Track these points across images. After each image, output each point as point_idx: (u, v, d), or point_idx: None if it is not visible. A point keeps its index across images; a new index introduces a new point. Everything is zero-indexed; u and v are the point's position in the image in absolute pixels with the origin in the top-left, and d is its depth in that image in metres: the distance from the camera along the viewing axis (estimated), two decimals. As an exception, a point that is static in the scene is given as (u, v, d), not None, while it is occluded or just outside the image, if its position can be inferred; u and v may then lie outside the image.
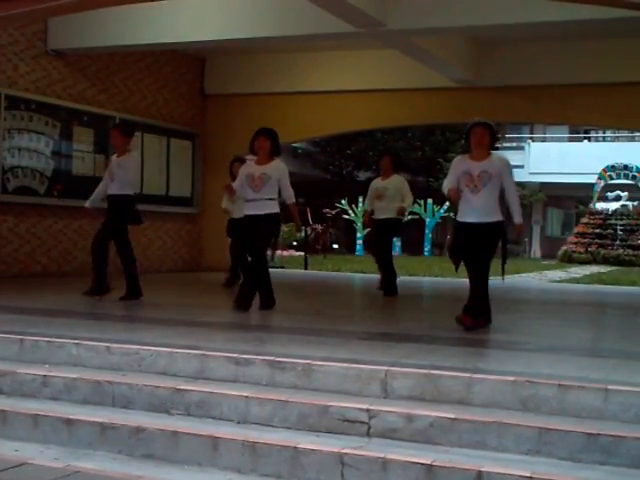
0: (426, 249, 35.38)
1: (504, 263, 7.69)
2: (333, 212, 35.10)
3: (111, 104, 14.73)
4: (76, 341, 6.32)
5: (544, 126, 41.58)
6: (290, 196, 8.84)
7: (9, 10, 9.16)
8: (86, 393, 5.73)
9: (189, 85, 16.68)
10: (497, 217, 7.45)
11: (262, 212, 8.65)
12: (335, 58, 15.52)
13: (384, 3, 11.06)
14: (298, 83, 15.97)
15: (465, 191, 7.43)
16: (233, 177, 11.81)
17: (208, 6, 12.36)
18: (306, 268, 20.48)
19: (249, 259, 9.52)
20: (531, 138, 42.28)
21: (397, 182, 11.49)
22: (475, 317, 7.37)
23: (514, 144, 41.96)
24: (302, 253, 23.96)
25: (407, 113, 16.17)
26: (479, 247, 7.35)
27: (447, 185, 7.54)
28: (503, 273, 7.66)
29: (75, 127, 14.01)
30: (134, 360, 6.04)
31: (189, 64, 16.60)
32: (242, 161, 11.65)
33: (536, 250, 41.81)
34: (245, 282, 9.12)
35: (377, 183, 11.65)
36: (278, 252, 26.56)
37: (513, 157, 41.43)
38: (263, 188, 8.65)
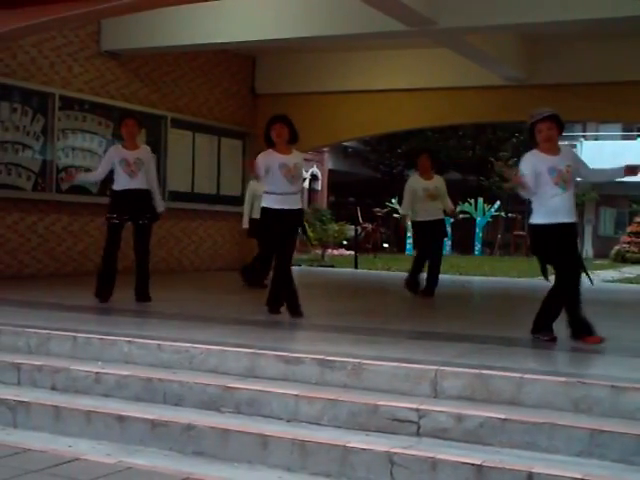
0: (477, 248, 35.15)
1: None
2: (383, 211, 35.00)
3: (163, 104, 14.87)
4: (128, 339, 6.39)
5: (597, 124, 41.07)
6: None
7: (64, 12, 9.29)
8: (138, 390, 5.79)
9: (240, 84, 16.77)
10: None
11: (298, 207, 8.30)
12: (385, 57, 15.49)
13: (436, 1, 11.01)
14: (348, 82, 15.97)
15: (550, 188, 6.74)
16: None
17: (258, 6, 12.41)
18: (356, 267, 20.48)
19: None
20: (584, 136, 41.75)
21: (442, 182, 11.28)
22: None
23: (566, 142, 41.53)
24: (352, 252, 23.96)
25: (458, 112, 16.08)
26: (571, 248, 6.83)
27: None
28: (588, 274, 6.99)
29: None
30: (185, 358, 6.09)
31: (240, 64, 16.68)
32: None
33: (588, 250, 41.27)
34: (280, 284, 8.33)
35: (422, 183, 11.16)
36: (329, 251, 26.63)
37: (565, 156, 41.11)
38: (298, 181, 8.31)
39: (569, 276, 6.71)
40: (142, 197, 9.14)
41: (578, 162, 7.07)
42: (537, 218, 6.83)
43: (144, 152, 9.25)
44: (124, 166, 9.04)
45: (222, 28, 12.69)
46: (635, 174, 7.10)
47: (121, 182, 9.09)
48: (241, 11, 12.45)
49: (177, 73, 15.23)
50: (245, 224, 11.86)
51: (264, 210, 8.27)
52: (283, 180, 8.12)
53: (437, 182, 11.24)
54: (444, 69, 15.06)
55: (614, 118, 21.35)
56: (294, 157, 8.26)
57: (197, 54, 15.35)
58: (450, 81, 15.28)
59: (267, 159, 8.14)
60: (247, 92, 16.97)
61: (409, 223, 12.48)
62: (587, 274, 6.92)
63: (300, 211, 8.33)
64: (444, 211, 11.37)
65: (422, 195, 11.12)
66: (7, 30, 9.72)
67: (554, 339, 6.76)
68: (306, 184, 34.99)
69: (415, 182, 11.26)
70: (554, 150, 6.89)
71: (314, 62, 16.07)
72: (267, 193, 8.25)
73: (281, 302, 8.28)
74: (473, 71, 14.43)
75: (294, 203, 8.22)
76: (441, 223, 11.30)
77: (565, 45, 14.37)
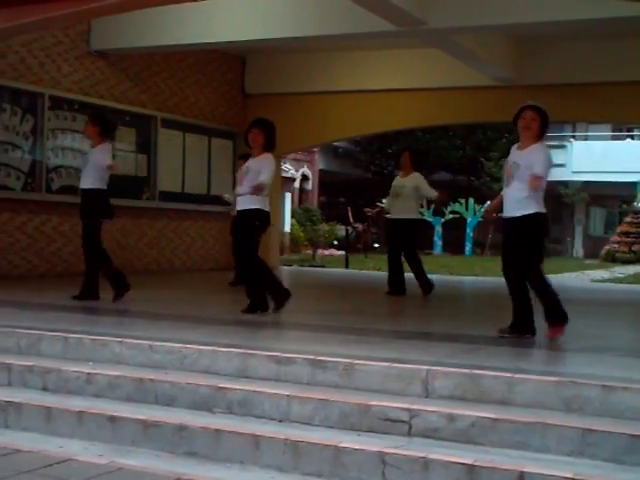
0: (467, 248, 35.19)
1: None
2: (374, 211, 34.99)
3: (153, 104, 14.86)
4: (119, 339, 6.38)
5: (586, 124, 41.18)
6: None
7: (53, 12, 9.27)
8: (129, 391, 5.78)
9: (230, 84, 16.77)
10: None
11: (243, 208, 8.31)
12: (375, 57, 15.51)
13: (425, 2, 11.03)
14: (338, 82, 15.99)
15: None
16: None
17: (248, 6, 12.42)
18: (347, 267, 20.49)
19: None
20: (573, 137, 41.86)
21: (415, 180, 11.12)
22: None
23: (556, 143, 41.60)
24: (343, 252, 23.97)
25: (448, 112, 16.12)
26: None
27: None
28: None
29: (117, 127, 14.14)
30: (177, 358, 6.08)
31: (230, 64, 16.68)
32: (243, 158, 11.64)
33: (578, 249, 41.40)
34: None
35: (396, 180, 11.36)
36: (319, 251, 26.64)
37: (555, 156, 41.27)
38: (244, 184, 8.25)
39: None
40: (83, 196, 9.18)
41: (532, 163, 6.85)
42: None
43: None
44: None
45: (211, 28, 12.69)
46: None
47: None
48: (230, 11, 12.44)
49: (167, 73, 15.22)
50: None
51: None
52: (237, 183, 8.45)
53: (409, 181, 11.12)
54: (434, 69, 15.09)
55: (603, 118, 21.45)
56: (254, 161, 8.34)
57: (187, 54, 15.34)
58: (440, 81, 15.31)
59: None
60: (237, 92, 16.97)
61: None
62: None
63: (243, 212, 8.29)
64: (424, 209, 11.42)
65: (391, 192, 11.25)
66: (-3, 30, 9.71)
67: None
68: (297, 184, 34.99)
69: (395, 180, 11.47)
70: (523, 145, 6.95)
71: (304, 62, 16.08)
72: None
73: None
74: (462, 71, 14.46)
75: (240, 205, 8.33)
76: (403, 222, 11.04)
77: (554, 45, 14.41)
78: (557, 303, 6.83)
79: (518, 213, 6.79)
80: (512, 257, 6.88)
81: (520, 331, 6.87)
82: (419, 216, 11.39)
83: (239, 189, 8.35)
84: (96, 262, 9.19)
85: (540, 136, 7.02)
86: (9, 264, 12.33)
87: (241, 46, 14.57)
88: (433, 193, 11.33)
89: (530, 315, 6.87)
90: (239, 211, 8.37)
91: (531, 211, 6.77)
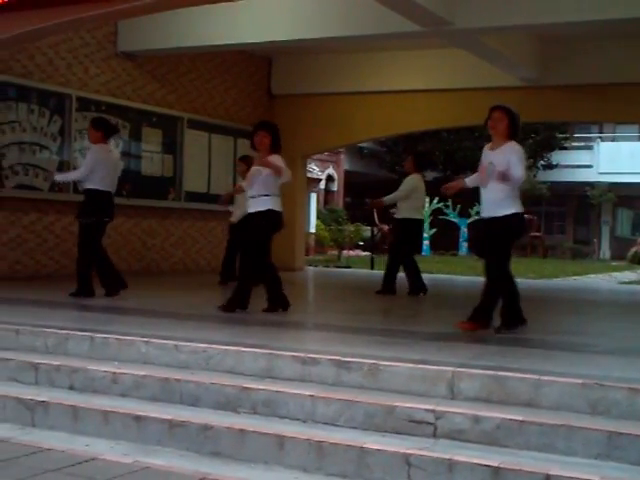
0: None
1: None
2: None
3: (180, 105, 14.91)
4: (145, 339, 6.41)
5: (614, 125, 40.91)
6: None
7: (81, 13, 9.33)
8: (155, 390, 5.81)
9: (256, 85, 16.80)
10: None
11: (253, 210, 8.39)
12: (400, 58, 15.49)
13: (451, 2, 10.99)
14: (363, 83, 15.97)
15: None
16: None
17: (274, 7, 12.42)
18: (372, 268, 20.45)
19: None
20: (600, 137, 41.62)
21: (405, 182, 11.45)
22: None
23: (583, 144, 41.37)
24: (368, 253, 23.95)
25: (473, 113, 15.93)
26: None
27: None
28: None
29: (144, 128, 14.24)
30: (202, 358, 6.11)
31: (256, 64, 16.71)
32: (243, 159, 11.68)
33: (605, 251, 41.15)
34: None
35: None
36: (345, 252, 26.63)
37: (582, 157, 41.03)
38: (253, 186, 8.35)
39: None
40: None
41: (507, 163, 7.06)
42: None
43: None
44: None
45: (238, 29, 12.71)
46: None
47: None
48: (257, 12, 12.46)
49: (194, 74, 15.26)
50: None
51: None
52: (247, 187, 8.51)
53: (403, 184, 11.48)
54: (459, 70, 15.04)
55: (630, 119, 21.25)
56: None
57: (213, 55, 15.38)
58: (465, 82, 15.26)
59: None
60: (263, 93, 16.99)
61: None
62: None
63: (253, 214, 8.36)
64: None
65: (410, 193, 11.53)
66: (24, 32, 9.76)
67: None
68: (322, 185, 35.01)
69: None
70: (495, 145, 7.24)
71: (330, 63, 16.08)
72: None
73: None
74: (488, 72, 14.40)
75: (250, 207, 8.39)
76: (396, 222, 11.52)
77: (580, 45, 14.31)
78: (493, 307, 7.21)
79: (499, 213, 7.03)
80: (494, 257, 7.15)
81: (514, 324, 7.19)
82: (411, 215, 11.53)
83: (250, 191, 8.38)
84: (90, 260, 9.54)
85: (510, 136, 7.24)
86: (37, 264, 12.41)
87: (267, 47, 14.58)
88: (390, 197, 11.60)
89: (517, 305, 7.24)
90: (251, 213, 8.40)
91: (512, 211, 7.07)
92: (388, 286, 11.36)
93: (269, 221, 8.35)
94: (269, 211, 8.30)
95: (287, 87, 16.87)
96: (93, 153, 9.60)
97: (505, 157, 7.04)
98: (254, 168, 8.52)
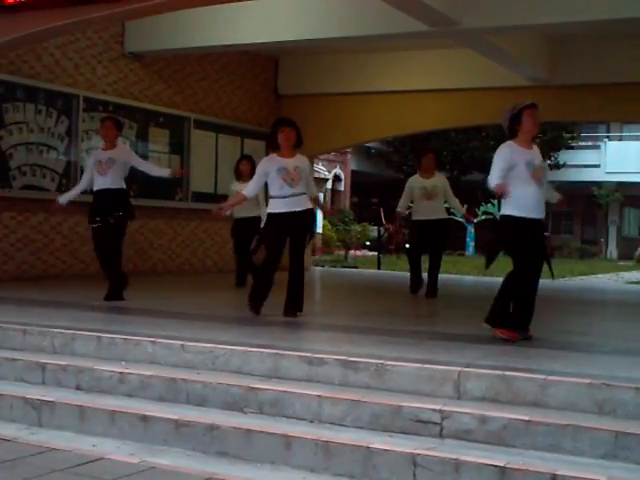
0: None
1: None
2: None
3: (186, 105, 14.92)
4: (152, 339, 6.42)
5: (621, 124, 40.84)
6: (315, 191, 8.58)
7: (88, 14, 9.34)
8: (161, 390, 5.82)
9: (263, 85, 16.80)
10: None
11: (303, 208, 8.21)
12: (407, 58, 15.47)
13: (458, 1, 10.97)
14: (370, 83, 15.96)
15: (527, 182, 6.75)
16: (237, 175, 11.92)
17: (280, 7, 12.41)
18: (379, 268, 20.46)
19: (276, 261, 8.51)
20: (607, 137, 41.53)
21: (444, 181, 11.30)
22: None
23: (590, 143, 41.31)
24: (375, 253, 23.95)
25: (480, 113, 16.02)
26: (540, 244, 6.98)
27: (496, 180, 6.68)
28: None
29: (151, 128, 14.25)
30: (208, 358, 6.11)
31: (263, 65, 16.71)
32: (248, 159, 11.68)
33: (612, 251, 41.09)
34: (261, 285, 8.33)
35: (421, 182, 11.25)
36: (352, 252, 26.62)
37: (589, 156, 40.96)
38: (300, 183, 8.19)
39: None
40: (109, 196, 9.50)
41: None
42: (510, 210, 6.79)
43: (118, 151, 9.54)
44: (97, 167, 9.50)
45: (245, 29, 12.71)
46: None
47: (95, 183, 9.61)
48: (264, 13, 12.45)
49: (200, 74, 15.27)
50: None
51: (269, 215, 8.36)
52: (283, 183, 8.13)
53: (436, 181, 11.19)
54: (466, 70, 15.02)
55: (637, 119, 21.23)
56: (296, 160, 8.27)
57: (220, 55, 15.39)
58: (472, 82, 15.24)
59: (266, 166, 8.31)
60: (270, 93, 16.99)
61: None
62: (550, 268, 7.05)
63: (305, 212, 8.25)
64: (449, 210, 11.42)
65: (419, 194, 11.21)
66: (32, 32, 9.78)
67: (514, 337, 6.78)
68: (329, 185, 35.01)
69: (413, 181, 11.42)
70: (529, 144, 6.94)
71: (336, 63, 16.07)
72: (272, 198, 8.32)
73: (262, 301, 8.29)
74: (495, 72, 14.38)
75: (299, 204, 8.18)
76: (439, 223, 11.07)
77: (588, 45, 14.28)
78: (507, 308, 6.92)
79: (543, 215, 6.87)
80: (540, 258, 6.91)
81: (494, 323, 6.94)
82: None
83: (296, 189, 8.16)
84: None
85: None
86: (44, 264, 12.43)
87: (274, 47, 14.58)
88: (458, 205, 11.46)
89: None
90: (300, 211, 8.19)
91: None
92: (434, 286, 11.18)
93: (267, 223, 8.38)
94: (268, 214, 8.34)
95: (294, 87, 16.87)
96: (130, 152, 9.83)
97: (540, 159, 6.97)
98: (293, 166, 8.23)
